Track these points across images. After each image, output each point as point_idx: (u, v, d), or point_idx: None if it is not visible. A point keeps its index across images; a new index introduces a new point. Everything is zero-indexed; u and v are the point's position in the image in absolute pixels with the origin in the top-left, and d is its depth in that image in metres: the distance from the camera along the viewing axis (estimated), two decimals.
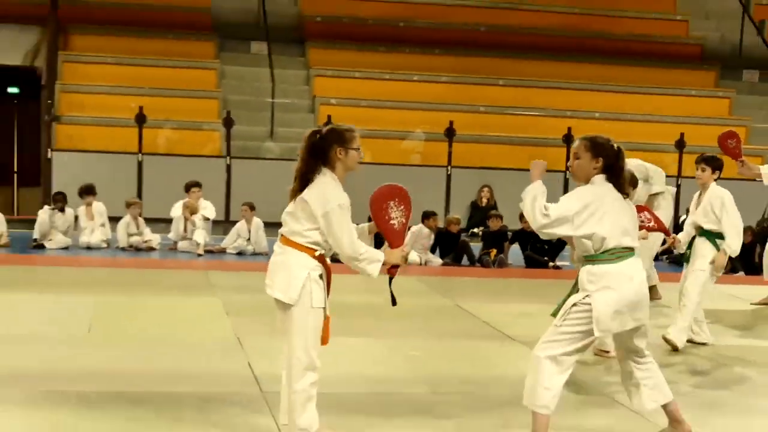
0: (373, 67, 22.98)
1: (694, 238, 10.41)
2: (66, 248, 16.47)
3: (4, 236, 16.49)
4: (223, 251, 16.89)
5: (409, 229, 14.61)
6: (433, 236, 16.60)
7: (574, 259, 7.82)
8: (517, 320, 11.37)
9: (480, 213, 20.02)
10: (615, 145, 6.59)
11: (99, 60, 22.06)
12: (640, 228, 8.98)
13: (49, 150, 20.02)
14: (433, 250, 16.68)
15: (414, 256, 16.29)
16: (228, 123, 20.15)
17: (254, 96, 22.02)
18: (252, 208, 17.15)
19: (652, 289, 13.67)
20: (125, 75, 21.75)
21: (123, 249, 16.60)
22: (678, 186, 20.19)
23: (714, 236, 10.21)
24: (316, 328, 6.45)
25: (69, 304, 11.44)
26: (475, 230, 19.14)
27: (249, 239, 17.02)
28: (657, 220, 9.68)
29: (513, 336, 10.67)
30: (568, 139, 20.83)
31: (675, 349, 10.12)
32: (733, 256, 10.37)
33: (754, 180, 12.20)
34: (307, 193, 6.41)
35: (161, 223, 17.51)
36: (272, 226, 16.81)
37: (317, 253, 6.42)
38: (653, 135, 21.88)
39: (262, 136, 21.28)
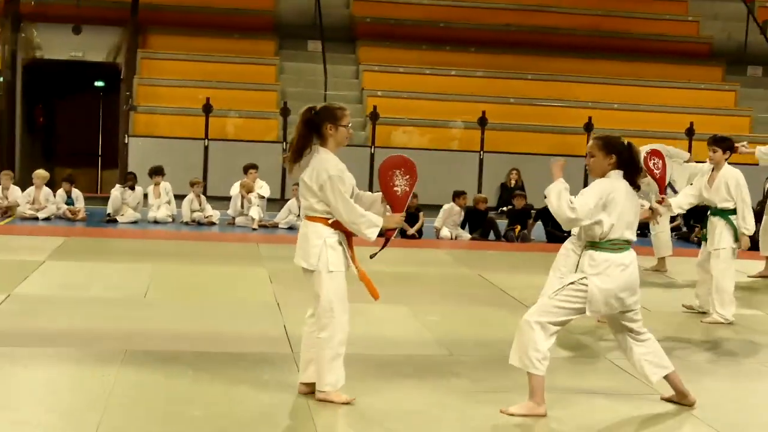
0: (416, 63, 22.65)
1: (706, 217, 9.90)
2: (135, 222, 16.22)
3: (81, 211, 16.30)
4: (275, 226, 16.59)
5: (415, 198, 14.24)
6: (463, 213, 16.21)
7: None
8: (533, 290, 10.84)
9: (508, 193, 19.63)
10: (625, 141, 6.30)
11: (172, 57, 21.94)
12: (650, 173, 8.98)
13: (126, 136, 19.91)
14: (462, 226, 16.28)
15: (445, 232, 15.96)
16: (285, 112, 20.00)
17: (309, 88, 21.72)
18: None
19: (661, 261, 13.21)
20: (195, 70, 21.59)
21: (186, 223, 16.37)
22: None
23: (727, 213, 9.66)
24: (339, 290, 6.27)
25: (132, 271, 11.21)
26: (504, 209, 18.77)
27: (299, 215, 16.71)
28: (664, 171, 9.25)
29: (528, 304, 10.23)
30: (588, 127, 20.51)
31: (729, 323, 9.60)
32: (750, 234, 9.80)
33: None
34: (305, 174, 6.25)
35: (222, 200, 17.22)
36: None
37: (330, 221, 6.24)
38: (665, 124, 21.42)
39: None
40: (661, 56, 23.76)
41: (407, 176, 6.33)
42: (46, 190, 16.42)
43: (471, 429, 6.02)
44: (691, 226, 17.73)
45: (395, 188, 6.33)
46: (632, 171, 6.27)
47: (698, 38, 25.15)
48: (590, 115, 20.77)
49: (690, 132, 20.56)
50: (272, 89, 21.63)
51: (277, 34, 23.47)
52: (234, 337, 8.23)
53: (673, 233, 18.02)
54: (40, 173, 16.60)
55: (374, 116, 20.17)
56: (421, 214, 16.06)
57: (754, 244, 16.01)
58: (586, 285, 6.16)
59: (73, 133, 24.81)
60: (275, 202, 17.90)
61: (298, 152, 6.30)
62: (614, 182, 6.20)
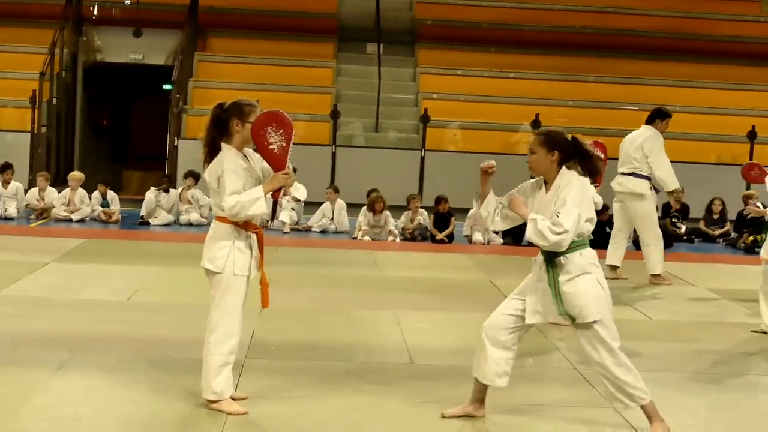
0: (476, 66, 22.32)
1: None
2: (168, 225, 16.25)
3: (116, 214, 16.39)
4: (308, 229, 16.46)
5: (446, 203, 13.90)
6: None
7: None
8: None
9: None
10: (568, 136, 5.92)
11: (229, 60, 22.11)
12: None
13: (176, 138, 19.99)
14: (495, 231, 15.93)
15: (478, 236, 15.65)
16: (335, 115, 19.90)
17: (365, 91, 21.59)
18: (336, 190, 16.78)
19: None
20: (251, 73, 21.63)
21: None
22: None
23: None
24: (238, 295, 6.12)
25: (131, 274, 11.15)
26: None
27: (332, 219, 16.56)
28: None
29: None
30: None
31: None
32: None
33: None
34: (206, 173, 6.08)
35: None
36: (356, 207, 16.52)
37: (239, 222, 6.06)
38: (731, 127, 20.77)
39: (369, 128, 20.86)
40: (731, 58, 23.06)
41: (281, 130, 6.00)
42: (81, 191, 16.57)
43: None
44: (742, 233, 17.10)
45: (271, 146, 6.01)
46: (587, 161, 5.90)
47: None
48: None
49: (752, 135, 19.88)
50: (327, 92, 21.51)
51: (337, 37, 23.42)
52: (188, 342, 8.01)
53: (721, 239, 17.43)
54: (75, 175, 16.76)
55: (425, 119, 19.92)
56: (452, 219, 15.75)
57: None
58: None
59: (140, 136, 25.06)
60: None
61: (207, 148, 6.14)
62: (579, 178, 5.86)
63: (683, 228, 17.81)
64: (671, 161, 19.56)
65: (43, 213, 16.47)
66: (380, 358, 7.78)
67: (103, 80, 23.32)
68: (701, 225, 18.07)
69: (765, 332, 9.24)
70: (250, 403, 6.26)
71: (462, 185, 16.85)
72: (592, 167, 5.91)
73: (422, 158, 19.65)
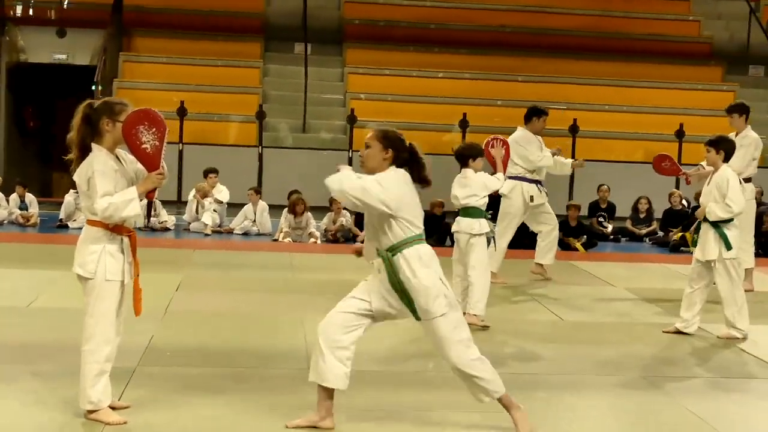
0: (403, 66, 22.15)
1: (699, 224, 9.18)
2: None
3: (34, 217, 16.08)
4: (230, 231, 16.24)
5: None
6: None
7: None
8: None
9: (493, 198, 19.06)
10: (406, 141, 5.88)
11: (154, 60, 21.79)
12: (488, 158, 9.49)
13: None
14: None
15: None
16: (260, 115, 19.67)
17: (292, 92, 21.37)
18: (257, 192, 16.60)
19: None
20: (177, 73, 21.34)
21: (140, 229, 15.99)
22: None
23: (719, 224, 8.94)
24: (113, 302, 5.93)
25: (32, 278, 10.87)
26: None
27: (255, 221, 16.35)
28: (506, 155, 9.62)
29: None
30: (573, 129, 19.99)
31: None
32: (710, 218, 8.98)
33: None
34: (76, 175, 5.88)
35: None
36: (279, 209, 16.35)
37: (111, 226, 5.88)
38: (657, 126, 20.84)
39: (297, 128, 20.65)
40: (659, 57, 23.15)
41: (153, 129, 5.81)
42: None
43: None
44: (668, 232, 17.14)
45: (143, 146, 5.82)
46: (417, 168, 5.87)
47: (699, 38, 24.47)
48: (578, 116, 20.22)
49: (680, 134, 19.93)
50: (254, 92, 21.25)
51: (264, 36, 23.17)
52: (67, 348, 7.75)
53: (648, 238, 17.46)
54: None
55: (352, 119, 19.75)
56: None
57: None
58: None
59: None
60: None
61: (78, 149, 5.92)
62: (403, 175, 5.81)
63: (610, 227, 17.83)
64: (598, 160, 19.84)
65: None
66: (276, 364, 7.61)
67: (27, 81, 22.89)
68: (628, 224, 18.10)
69: (680, 332, 9.19)
70: (132, 412, 6.11)
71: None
72: (423, 178, 5.88)
73: (350, 159, 19.47)
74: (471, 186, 9.18)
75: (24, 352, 7.63)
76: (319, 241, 15.57)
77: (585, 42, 23.46)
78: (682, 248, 15.84)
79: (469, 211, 9.23)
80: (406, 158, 5.84)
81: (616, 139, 20.75)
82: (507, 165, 10.01)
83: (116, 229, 5.90)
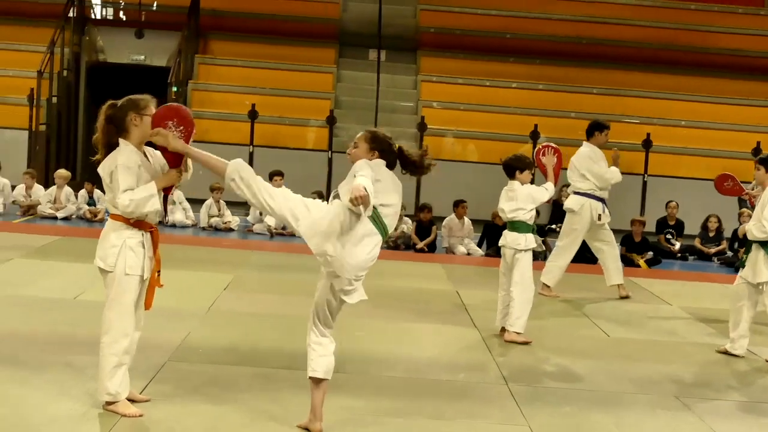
0: (477, 75, 22.07)
1: (750, 244, 9.02)
2: None
3: (102, 212, 16.19)
4: (293, 234, 16.28)
5: (429, 212, 13.89)
6: (467, 224, 15.83)
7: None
8: (489, 305, 10.22)
9: (560, 210, 18.86)
10: (395, 144, 5.97)
11: (229, 63, 22.00)
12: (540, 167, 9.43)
13: None
14: (481, 242, 15.77)
15: (461, 249, 15.54)
16: (331, 120, 19.75)
17: (364, 98, 21.45)
18: (321, 196, 16.46)
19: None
20: (251, 76, 21.53)
21: (204, 228, 16.25)
22: None
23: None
24: (131, 295, 6.00)
25: (85, 272, 10.96)
26: (553, 226, 18.05)
27: None
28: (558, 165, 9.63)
29: (475, 321, 9.78)
30: (647, 144, 19.66)
31: None
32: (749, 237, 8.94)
33: None
34: (100, 168, 5.96)
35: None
36: None
37: (132, 221, 5.95)
38: (731, 143, 20.51)
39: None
40: (736, 72, 22.71)
41: (181, 126, 5.93)
42: (67, 189, 16.56)
43: None
44: (736, 251, 16.83)
45: None
46: (417, 169, 6.00)
47: None
48: (651, 131, 19.93)
49: (756, 152, 19.52)
50: (326, 97, 21.36)
51: (339, 42, 23.27)
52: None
53: (716, 258, 17.15)
54: (61, 173, 16.75)
55: (422, 127, 19.74)
56: (434, 227, 15.60)
57: None
58: None
59: None
60: None
61: (104, 148, 6.03)
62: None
63: (677, 245, 17.54)
64: (669, 176, 19.57)
65: (30, 210, 16.44)
66: (299, 365, 7.57)
67: (105, 80, 23.25)
68: (696, 242, 17.79)
69: (728, 353, 9.02)
70: (151, 405, 6.20)
71: (458, 195, 16.76)
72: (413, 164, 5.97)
73: None
74: (517, 199, 9.08)
75: (61, 343, 7.76)
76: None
77: (661, 55, 23.14)
78: None
79: (516, 225, 9.13)
80: (393, 160, 5.92)
81: (689, 155, 20.43)
82: (558, 174, 9.83)
83: (138, 224, 5.97)
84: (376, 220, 5.71)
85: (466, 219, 15.88)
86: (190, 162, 6.05)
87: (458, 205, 15.83)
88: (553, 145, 9.90)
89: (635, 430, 6.66)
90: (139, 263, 5.96)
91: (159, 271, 6.11)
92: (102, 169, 5.94)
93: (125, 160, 5.87)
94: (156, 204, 5.88)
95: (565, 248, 11.83)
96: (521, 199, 9.05)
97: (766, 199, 8.74)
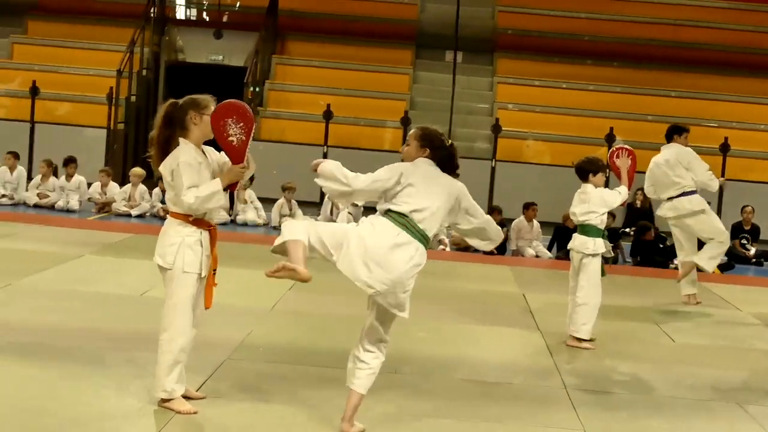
0: (554, 77, 21.94)
1: None
2: (225, 224, 16.14)
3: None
4: None
5: (498, 214, 13.93)
6: (536, 227, 15.82)
7: None
8: (558, 310, 10.16)
9: (634, 214, 18.72)
10: (447, 141, 5.99)
11: (306, 63, 22.14)
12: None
13: None
14: (551, 245, 15.69)
15: (530, 251, 15.51)
16: (405, 122, 19.76)
17: (440, 99, 21.45)
18: None
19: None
20: (328, 77, 21.65)
21: (275, 228, 16.37)
22: None
23: None
24: (189, 293, 6.06)
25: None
26: (627, 230, 17.91)
27: None
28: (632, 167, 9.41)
29: (541, 326, 9.72)
30: (724, 148, 19.38)
31: None
32: None
33: None
34: (161, 166, 6.03)
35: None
36: None
37: (191, 219, 6.03)
38: None
39: None
40: None
41: (241, 123, 5.96)
42: (141, 187, 16.82)
43: None
44: None
45: (230, 138, 5.97)
46: (448, 170, 5.94)
47: None
48: (729, 135, 19.64)
49: None
50: (402, 98, 21.40)
51: (416, 43, 23.31)
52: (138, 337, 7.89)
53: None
54: (137, 171, 17.01)
55: (497, 129, 19.70)
56: (504, 229, 15.55)
57: None
58: None
59: None
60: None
61: (159, 146, 6.12)
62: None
63: (753, 250, 17.30)
64: (746, 180, 19.25)
65: (105, 207, 16.74)
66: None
67: (184, 80, 23.55)
68: None
69: None
70: (206, 403, 6.27)
71: (532, 197, 16.71)
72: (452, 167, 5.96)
73: (493, 168, 19.45)
74: (590, 202, 8.98)
75: (123, 339, 7.89)
76: (448, 248, 15.57)
77: (738, 58, 22.73)
78: None
79: (586, 229, 9.05)
80: (444, 155, 5.91)
81: (761, 159, 20.11)
82: (633, 177, 9.65)
83: (196, 222, 6.05)
84: (409, 227, 5.67)
85: (535, 221, 15.83)
86: (251, 159, 6.12)
87: (528, 208, 15.80)
88: (628, 147, 9.75)
89: None
90: (197, 261, 6.03)
91: (215, 270, 6.17)
92: (164, 168, 6.02)
93: (187, 157, 5.96)
94: (221, 200, 5.99)
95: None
96: (593, 203, 8.96)
97: None
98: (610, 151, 9.80)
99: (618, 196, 9.17)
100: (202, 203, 5.92)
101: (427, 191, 5.78)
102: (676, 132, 11.89)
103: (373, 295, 5.67)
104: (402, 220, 5.68)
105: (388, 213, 5.73)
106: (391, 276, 5.57)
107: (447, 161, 5.92)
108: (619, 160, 9.55)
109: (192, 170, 5.94)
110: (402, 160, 5.95)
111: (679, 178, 11.65)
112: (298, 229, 5.66)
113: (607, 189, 9.16)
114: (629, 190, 9.37)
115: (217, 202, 6.00)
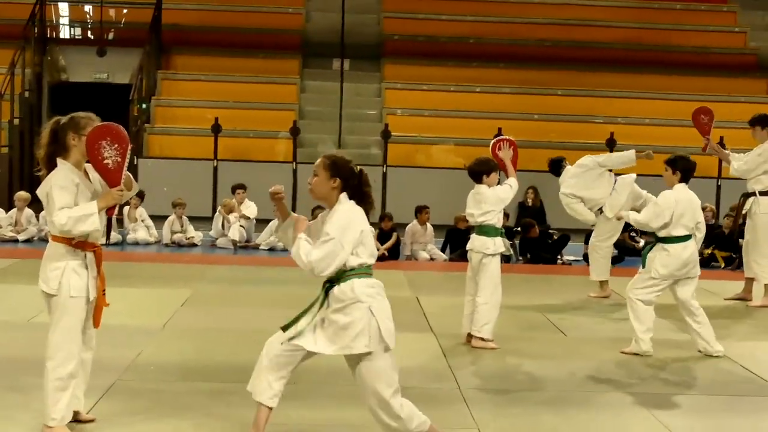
0: (442, 81, 22.18)
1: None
2: (116, 244, 15.98)
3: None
4: (256, 247, 16.35)
5: (390, 221, 13.93)
6: (429, 230, 15.98)
7: None
8: (451, 311, 10.24)
9: (527, 213, 18.95)
10: (356, 168, 5.72)
11: (192, 78, 22.04)
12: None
13: (135, 157, 19.84)
14: (444, 246, 15.84)
15: (424, 255, 15.63)
16: (294, 132, 19.79)
17: (328, 107, 21.51)
18: None
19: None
20: (215, 91, 21.60)
21: (167, 245, 16.26)
22: (718, 186, 19.50)
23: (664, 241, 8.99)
24: (78, 318, 5.96)
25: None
26: (518, 228, 18.14)
27: None
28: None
29: (433, 327, 9.82)
30: (610, 143, 19.73)
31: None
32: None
33: None
34: (38, 190, 5.98)
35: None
36: None
37: (74, 242, 5.91)
38: (697, 139, 20.46)
39: (331, 144, 20.75)
40: (703, 69, 22.87)
41: (115, 145, 5.87)
42: (27, 212, 16.53)
43: None
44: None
45: (105, 161, 5.87)
46: (361, 200, 5.71)
47: (744, 50, 24.21)
48: (615, 130, 20.01)
49: (721, 146, 19.64)
50: (291, 108, 21.40)
51: (302, 53, 23.36)
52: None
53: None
54: (22, 195, 16.73)
55: (386, 135, 19.81)
56: (395, 233, 15.68)
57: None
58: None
59: None
60: None
61: (45, 165, 6.03)
62: (352, 206, 5.68)
63: (642, 242, 17.62)
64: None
65: None
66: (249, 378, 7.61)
67: (68, 100, 23.23)
68: None
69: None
70: (96, 426, 6.19)
71: (424, 201, 16.80)
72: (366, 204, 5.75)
73: (384, 174, 19.54)
74: (486, 202, 9.04)
75: (7, 366, 7.72)
76: None
77: (626, 55, 23.31)
78: (713, 263, 15.86)
79: (485, 229, 9.10)
80: (356, 185, 5.70)
81: (659, 153, 20.48)
82: (516, 166, 9.71)
83: (80, 244, 5.95)
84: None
85: (428, 225, 15.98)
86: (132, 179, 6.07)
87: (421, 211, 15.91)
88: (508, 137, 9.83)
89: (585, 428, 6.74)
90: (84, 284, 5.94)
91: (104, 290, 6.09)
92: (40, 191, 5.95)
93: (61, 180, 5.87)
94: (95, 223, 5.84)
95: None
96: (490, 202, 9.02)
97: None
98: (492, 143, 9.81)
99: (510, 189, 9.24)
100: (74, 224, 5.79)
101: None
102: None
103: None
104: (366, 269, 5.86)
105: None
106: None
107: (358, 191, 5.70)
108: (501, 152, 9.56)
109: (65, 192, 5.85)
110: (311, 191, 5.73)
111: None
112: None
113: (498, 186, 9.22)
114: (516, 179, 9.40)
115: (91, 225, 5.84)
